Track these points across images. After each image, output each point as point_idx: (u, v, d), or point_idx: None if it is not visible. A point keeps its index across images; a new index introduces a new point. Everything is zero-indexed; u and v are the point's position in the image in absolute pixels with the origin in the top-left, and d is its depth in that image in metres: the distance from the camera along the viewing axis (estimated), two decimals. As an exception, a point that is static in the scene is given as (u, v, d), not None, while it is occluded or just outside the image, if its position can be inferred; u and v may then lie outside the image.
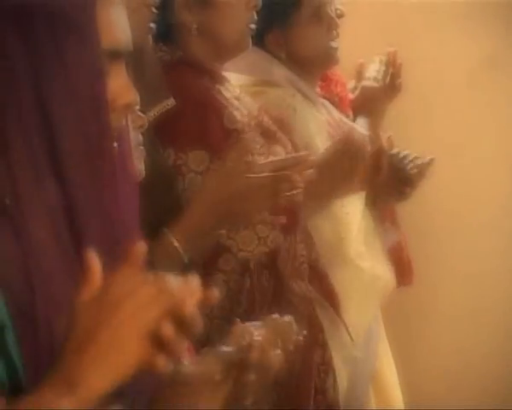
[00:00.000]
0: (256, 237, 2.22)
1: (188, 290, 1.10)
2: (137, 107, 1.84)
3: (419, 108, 3.77)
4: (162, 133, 2.10)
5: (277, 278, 2.29)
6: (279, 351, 1.60)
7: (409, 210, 3.06)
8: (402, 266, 2.89)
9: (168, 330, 1.11)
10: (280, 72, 2.66)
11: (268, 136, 2.32)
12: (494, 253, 3.97)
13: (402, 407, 2.88)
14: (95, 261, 1.08)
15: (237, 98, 2.35)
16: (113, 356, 1.14)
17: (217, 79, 2.34)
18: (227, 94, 2.32)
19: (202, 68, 2.31)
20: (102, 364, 1.13)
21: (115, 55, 1.44)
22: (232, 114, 2.21)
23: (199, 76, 2.29)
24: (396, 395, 2.87)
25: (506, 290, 4.03)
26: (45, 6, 1.40)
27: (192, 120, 2.15)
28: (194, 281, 1.14)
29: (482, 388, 4.01)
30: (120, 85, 1.48)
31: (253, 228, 2.20)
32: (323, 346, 2.36)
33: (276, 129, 2.38)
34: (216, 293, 1.12)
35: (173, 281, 1.06)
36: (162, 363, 1.15)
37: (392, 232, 2.86)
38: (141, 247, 1.21)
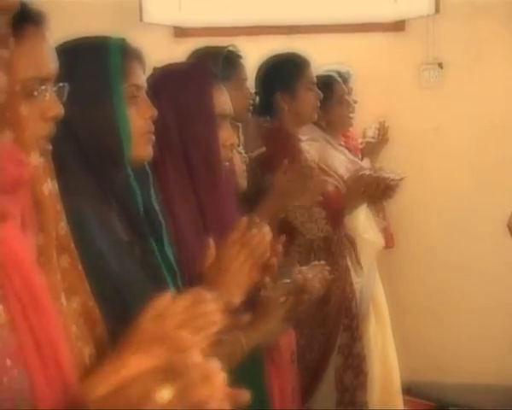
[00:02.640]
0: (316, 226, 2.75)
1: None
2: (242, 149, 2.45)
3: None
4: (264, 166, 2.61)
5: (329, 255, 2.75)
6: (319, 284, 1.85)
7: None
8: (387, 237, 3.63)
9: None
10: (317, 133, 3.21)
11: (320, 169, 2.87)
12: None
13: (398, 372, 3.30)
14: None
15: (307, 150, 2.90)
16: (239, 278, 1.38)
17: (297, 138, 2.85)
18: (302, 147, 2.87)
19: (289, 132, 2.82)
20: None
21: (223, 117, 1.74)
22: (305, 157, 2.76)
23: (287, 136, 2.80)
24: (395, 365, 3.30)
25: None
26: (184, 83, 1.70)
27: (283, 159, 2.51)
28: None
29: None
30: (227, 133, 1.76)
31: (315, 222, 2.73)
32: (351, 284, 2.93)
33: (323, 166, 2.97)
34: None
35: None
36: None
37: (381, 221, 3.44)
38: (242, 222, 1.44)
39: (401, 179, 2.92)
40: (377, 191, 2.86)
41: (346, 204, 2.84)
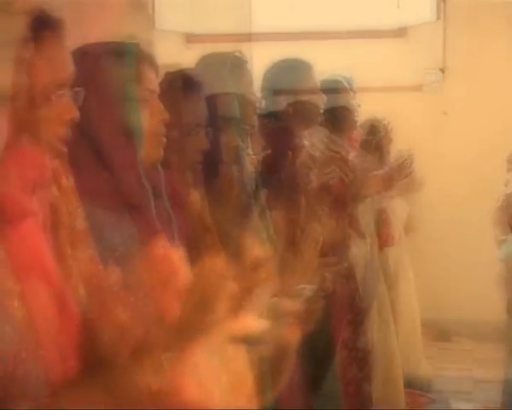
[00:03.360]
0: (320, 224, 2.58)
1: None
2: (251, 152, 2.32)
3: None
4: (270, 166, 2.37)
5: (334, 247, 2.49)
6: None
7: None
8: (386, 235, 3.69)
9: None
10: (323, 133, 3.14)
11: (329, 149, 3.00)
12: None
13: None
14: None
15: (311, 145, 2.86)
16: None
17: (301, 137, 2.70)
18: (306, 143, 2.77)
19: (294, 131, 2.70)
20: None
21: (228, 120, 1.78)
22: (308, 152, 2.73)
23: (290, 134, 2.66)
24: (397, 359, 3.39)
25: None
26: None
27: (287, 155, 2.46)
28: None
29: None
30: (231, 136, 1.82)
31: (318, 219, 2.61)
32: (354, 279, 2.96)
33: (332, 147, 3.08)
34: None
35: None
36: None
37: (381, 200, 3.51)
38: None
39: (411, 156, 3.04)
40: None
41: (351, 192, 2.88)
